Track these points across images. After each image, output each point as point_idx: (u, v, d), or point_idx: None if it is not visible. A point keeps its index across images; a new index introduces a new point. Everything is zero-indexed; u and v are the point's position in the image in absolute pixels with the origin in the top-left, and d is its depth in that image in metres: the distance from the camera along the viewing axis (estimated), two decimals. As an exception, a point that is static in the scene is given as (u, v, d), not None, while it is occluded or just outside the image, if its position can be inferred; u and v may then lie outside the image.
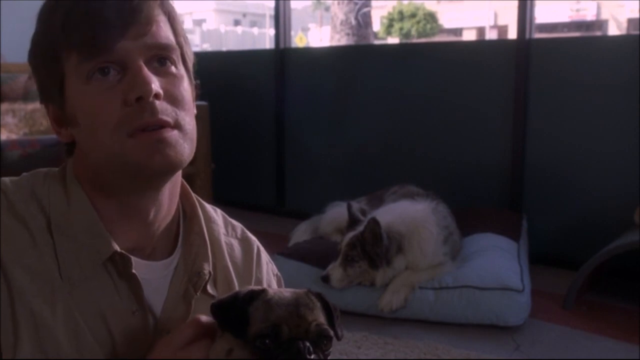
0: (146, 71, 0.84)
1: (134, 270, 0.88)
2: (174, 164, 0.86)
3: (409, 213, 2.71)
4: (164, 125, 0.84)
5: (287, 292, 0.87)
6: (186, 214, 1.01)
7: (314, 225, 3.38)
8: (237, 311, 0.82)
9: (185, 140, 0.87)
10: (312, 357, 0.80)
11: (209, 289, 0.97)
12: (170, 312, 0.92)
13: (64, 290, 0.84)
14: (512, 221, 3.21)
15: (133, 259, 0.88)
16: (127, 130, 0.83)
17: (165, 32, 0.87)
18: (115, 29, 0.82)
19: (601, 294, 2.84)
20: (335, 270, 2.61)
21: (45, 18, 0.87)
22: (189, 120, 0.89)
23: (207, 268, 0.96)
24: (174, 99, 0.86)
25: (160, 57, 0.87)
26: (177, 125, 0.86)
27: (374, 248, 2.55)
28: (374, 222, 2.54)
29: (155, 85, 0.83)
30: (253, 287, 0.88)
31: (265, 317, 0.81)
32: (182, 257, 0.97)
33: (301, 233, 3.39)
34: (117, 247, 0.87)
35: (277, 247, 3.04)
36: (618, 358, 2.25)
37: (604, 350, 2.31)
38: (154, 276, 0.92)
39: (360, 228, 2.61)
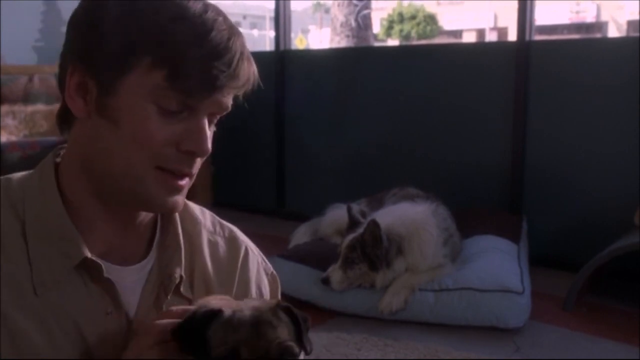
0: (208, 129, 0.87)
1: (106, 275, 0.88)
2: (177, 209, 0.92)
3: (409, 215, 2.71)
4: (189, 176, 0.89)
5: (248, 310, 0.84)
6: (163, 216, 1.00)
7: (314, 227, 3.38)
8: (196, 335, 0.81)
9: (188, 187, 0.91)
10: None
11: (184, 291, 0.97)
12: (143, 315, 0.92)
13: (33, 294, 0.83)
14: (512, 223, 3.21)
15: (105, 264, 0.88)
16: (160, 164, 0.85)
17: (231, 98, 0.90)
18: (214, 88, 0.83)
19: (601, 295, 2.84)
20: (335, 273, 2.61)
21: (163, 21, 0.81)
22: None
23: (179, 272, 0.96)
24: (205, 156, 0.89)
25: (215, 116, 0.90)
26: (192, 176, 0.90)
27: (374, 250, 2.55)
28: (374, 224, 2.54)
29: (210, 146, 0.87)
30: (210, 307, 0.85)
31: (224, 339, 0.80)
32: (157, 260, 0.97)
33: (301, 235, 3.39)
34: (87, 253, 0.86)
35: (277, 249, 3.03)
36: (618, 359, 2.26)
37: (604, 352, 2.31)
38: (127, 280, 0.92)
39: (360, 230, 2.61)
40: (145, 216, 0.95)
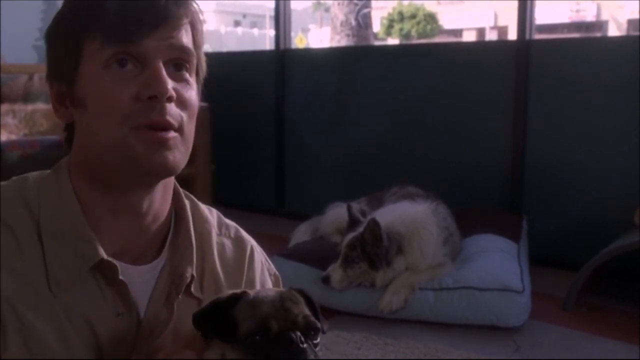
0: (164, 72, 0.86)
1: (121, 277, 0.88)
2: (170, 168, 0.88)
3: (409, 214, 2.71)
4: (169, 127, 0.86)
5: (270, 291, 0.89)
6: (177, 214, 1.01)
7: (314, 226, 3.38)
8: (222, 316, 0.83)
9: (183, 146, 0.89)
10: (304, 346, 0.81)
11: (194, 291, 0.97)
12: (153, 314, 0.93)
13: (50, 294, 0.84)
14: (512, 222, 3.21)
15: (119, 264, 0.89)
16: (133, 123, 0.84)
17: (187, 39, 0.90)
18: (146, 26, 0.84)
19: (601, 295, 2.84)
20: (335, 271, 2.61)
21: (84, 3, 0.88)
22: (191, 127, 0.91)
23: (190, 271, 0.96)
24: (182, 103, 0.89)
25: (178, 62, 0.89)
26: (180, 130, 0.88)
27: (374, 249, 2.55)
28: (374, 223, 2.54)
29: (170, 87, 0.86)
30: (233, 290, 0.88)
31: (252, 315, 0.82)
32: (169, 259, 0.97)
33: (301, 234, 3.39)
34: (103, 255, 0.87)
35: (277, 248, 3.03)
36: (618, 359, 2.25)
37: (604, 351, 2.31)
38: (139, 279, 0.93)
39: (360, 229, 2.60)
40: (149, 211, 0.94)
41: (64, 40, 0.88)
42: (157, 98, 0.85)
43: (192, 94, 0.91)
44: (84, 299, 0.86)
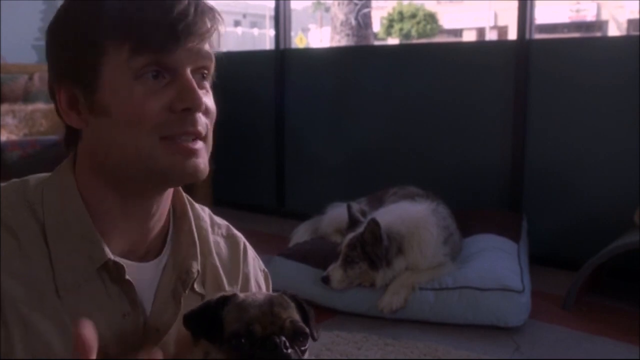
0: (195, 84, 0.86)
1: (127, 277, 0.88)
2: (201, 174, 0.89)
3: (409, 214, 2.71)
4: (198, 136, 0.87)
5: (260, 294, 0.89)
6: (176, 212, 1.02)
7: (314, 226, 3.38)
8: (210, 316, 0.84)
9: (207, 152, 0.90)
10: (289, 351, 0.81)
11: (197, 287, 0.98)
12: (159, 310, 0.93)
13: (56, 297, 0.84)
14: (512, 222, 3.21)
15: (126, 262, 0.89)
16: (163, 134, 0.84)
17: (209, 45, 0.90)
18: (179, 36, 0.83)
19: (601, 294, 2.84)
20: (335, 271, 2.61)
21: (109, 4, 0.85)
22: (211, 133, 0.92)
23: (196, 267, 0.97)
24: (207, 112, 0.89)
25: (202, 70, 0.89)
26: (206, 137, 0.89)
27: (374, 249, 2.55)
28: (374, 223, 2.54)
29: (203, 99, 0.86)
30: (223, 292, 0.89)
31: (239, 317, 0.83)
32: (172, 256, 0.97)
33: (301, 234, 3.39)
34: (110, 255, 0.87)
35: (278, 248, 3.03)
36: (618, 359, 2.25)
37: (604, 351, 2.31)
38: (145, 277, 0.93)
39: (360, 229, 2.60)
40: (157, 212, 0.94)
41: (77, 42, 0.85)
42: (191, 110, 0.85)
43: (212, 101, 0.92)
44: (89, 300, 0.86)
